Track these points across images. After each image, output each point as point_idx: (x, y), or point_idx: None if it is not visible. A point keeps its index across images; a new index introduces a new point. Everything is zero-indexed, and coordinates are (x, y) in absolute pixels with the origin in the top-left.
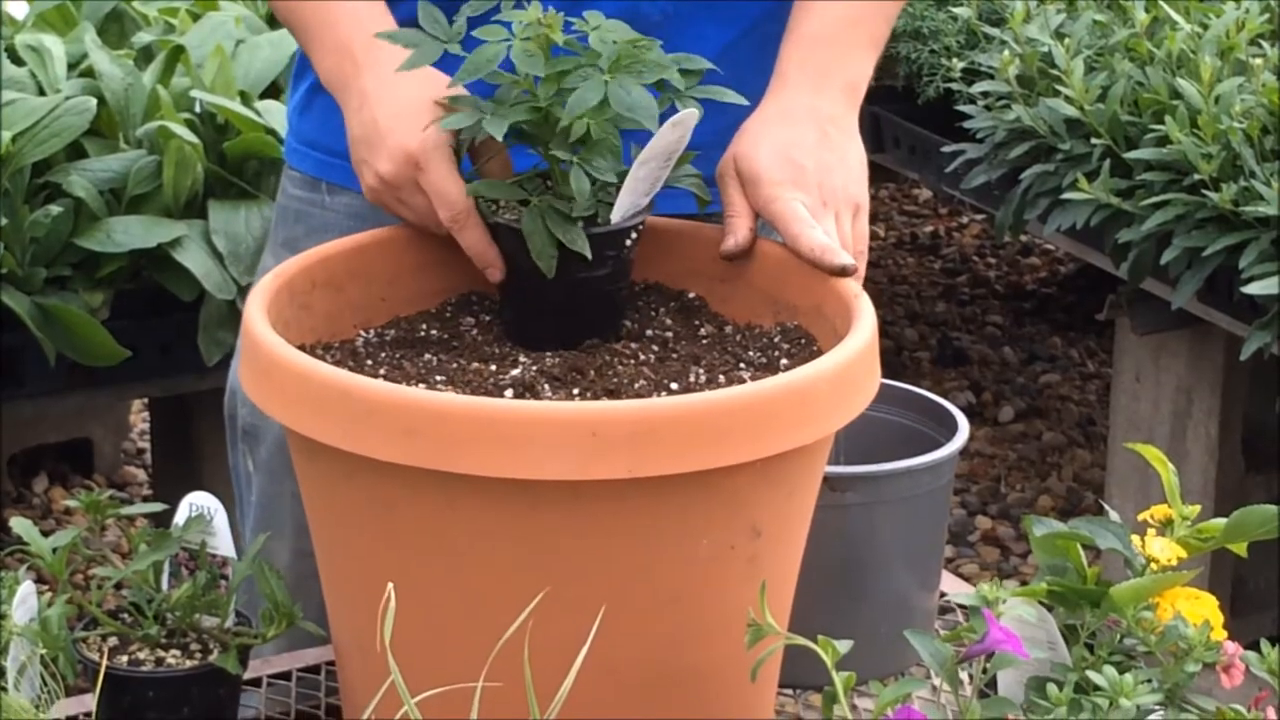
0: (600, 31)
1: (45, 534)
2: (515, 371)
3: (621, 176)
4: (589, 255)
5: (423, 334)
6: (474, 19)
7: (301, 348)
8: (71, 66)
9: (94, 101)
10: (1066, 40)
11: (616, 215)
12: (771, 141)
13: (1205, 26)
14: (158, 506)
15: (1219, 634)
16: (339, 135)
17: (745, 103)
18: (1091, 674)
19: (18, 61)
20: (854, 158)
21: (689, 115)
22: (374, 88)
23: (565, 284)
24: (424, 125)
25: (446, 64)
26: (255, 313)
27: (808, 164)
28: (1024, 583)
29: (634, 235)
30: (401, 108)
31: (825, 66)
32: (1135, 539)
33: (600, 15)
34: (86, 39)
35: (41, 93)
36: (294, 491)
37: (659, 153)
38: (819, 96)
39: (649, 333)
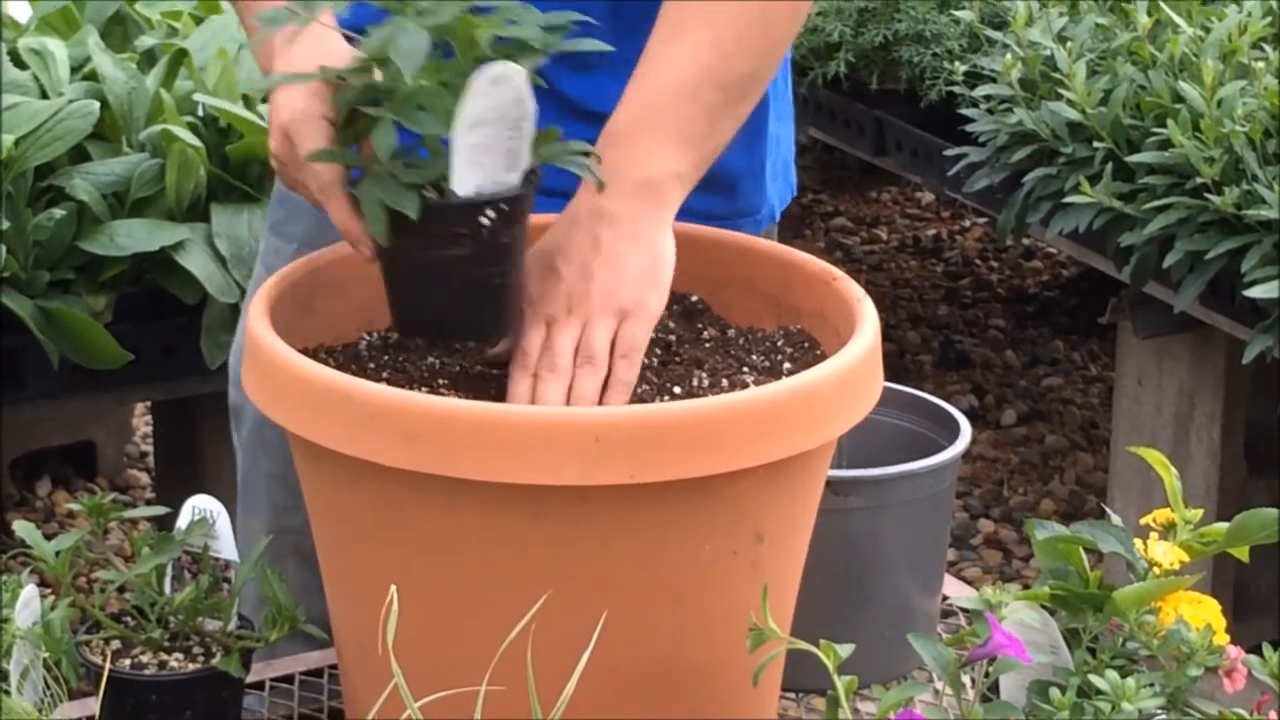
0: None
1: (48, 537)
2: None
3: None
4: (414, 216)
5: None
6: None
7: (304, 351)
8: (74, 70)
9: (97, 105)
10: (1069, 44)
11: (463, 189)
12: (541, 247)
13: (1207, 30)
14: (160, 510)
15: (1221, 638)
16: None
17: (609, 48)
18: (1094, 678)
19: (20, 65)
20: (632, 262)
21: (507, 71)
22: (279, 70)
23: (419, 263)
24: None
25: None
26: (258, 316)
27: (565, 271)
28: (1026, 586)
29: (491, 213)
30: (288, 86)
31: (617, 164)
32: (1138, 543)
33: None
34: (89, 42)
35: (44, 96)
36: (269, 471)
37: (493, 118)
38: (606, 197)
39: (652, 336)
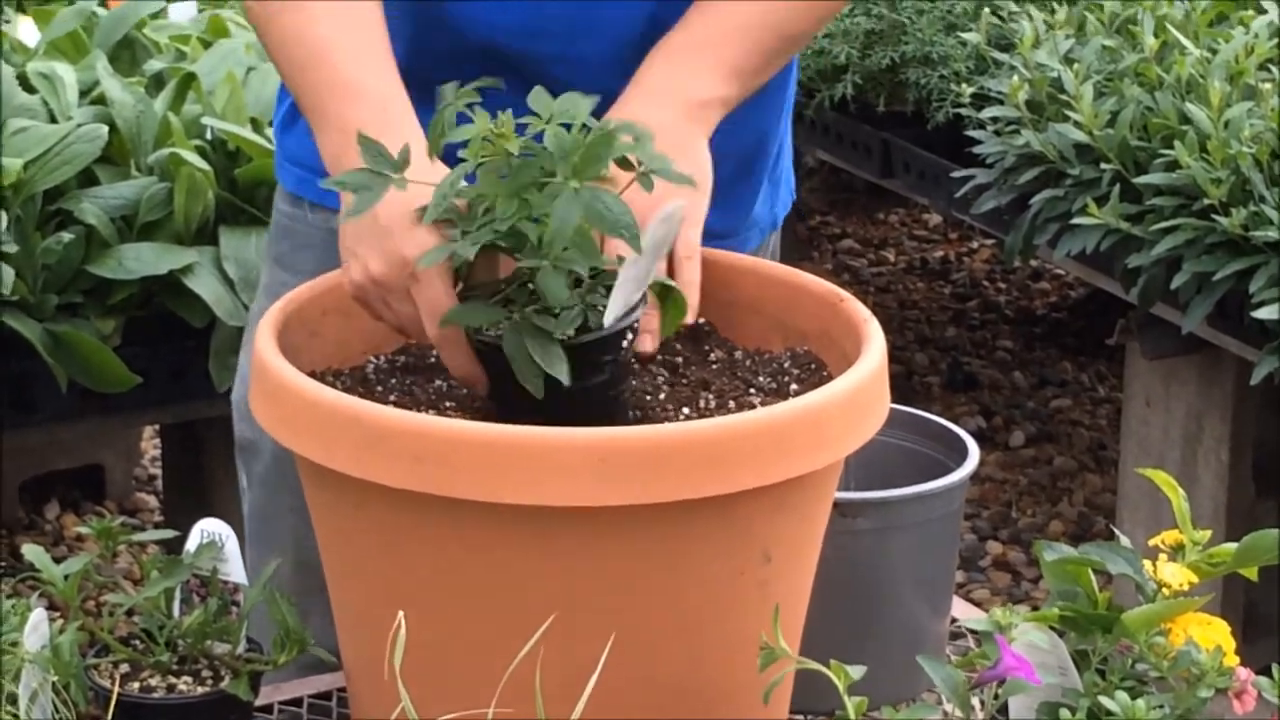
0: (554, 127)
1: (57, 561)
2: None
3: (598, 273)
4: (566, 380)
5: (433, 360)
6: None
7: (312, 374)
8: (83, 94)
9: (105, 129)
10: (1076, 65)
11: (610, 318)
12: None
13: (1214, 52)
14: (169, 533)
15: (1231, 659)
16: (317, 154)
17: (694, 183)
18: (1103, 699)
19: (29, 89)
20: (683, 170)
21: (677, 208)
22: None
23: (562, 395)
24: (422, 233)
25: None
26: (266, 339)
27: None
28: (1035, 608)
29: (630, 335)
30: (401, 209)
31: (666, 83)
32: (1147, 564)
33: (546, 96)
34: (98, 66)
35: (53, 120)
36: (292, 505)
37: (648, 249)
38: (654, 109)
39: (659, 358)
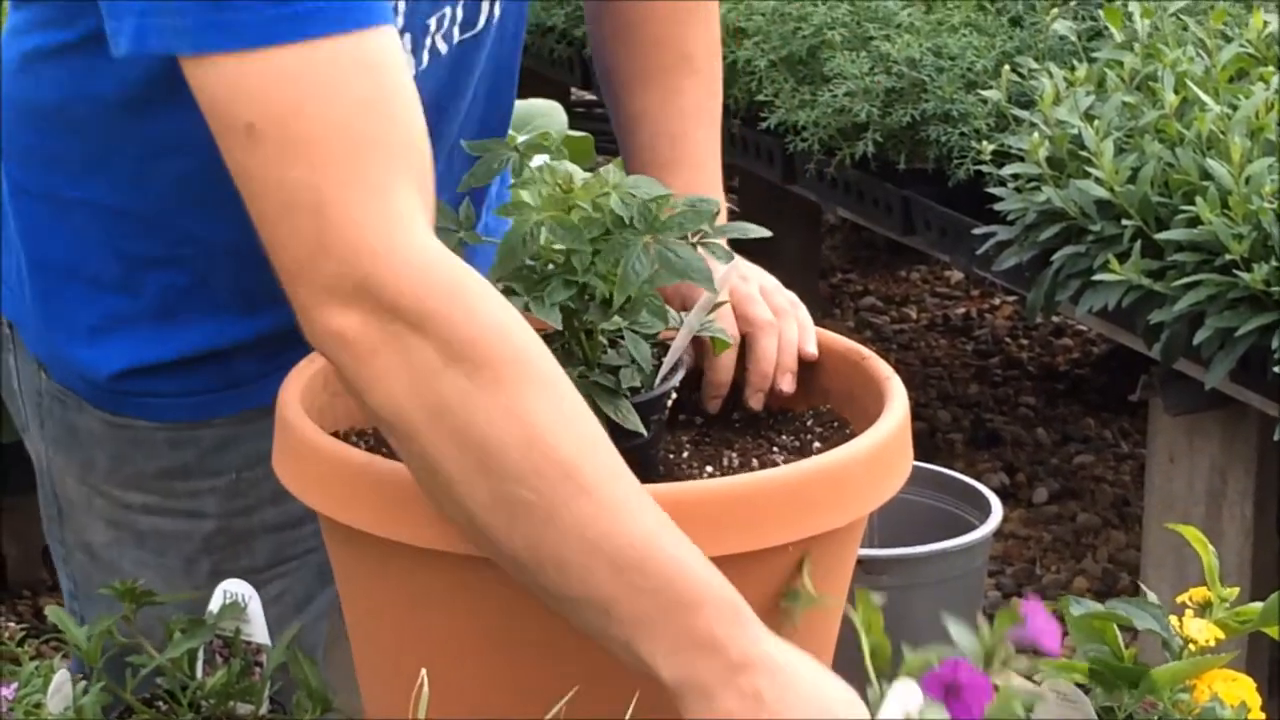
0: (619, 190)
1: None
2: None
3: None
4: (645, 432)
5: None
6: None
7: (335, 434)
8: None
9: None
10: (1096, 122)
11: (660, 376)
12: None
13: (1234, 107)
14: (192, 594)
15: (1256, 716)
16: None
17: (768, 233)
18: None
19: None
20: None
21: (731, 269)
22: (770, 690)
23: None
24: None
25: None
26: (289, 399)
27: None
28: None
29: (673, 395)
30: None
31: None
32: (1173, 620)
33: (618, 171)
34: None
35: None
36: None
37: (702, 306)
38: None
39: (681, 416)
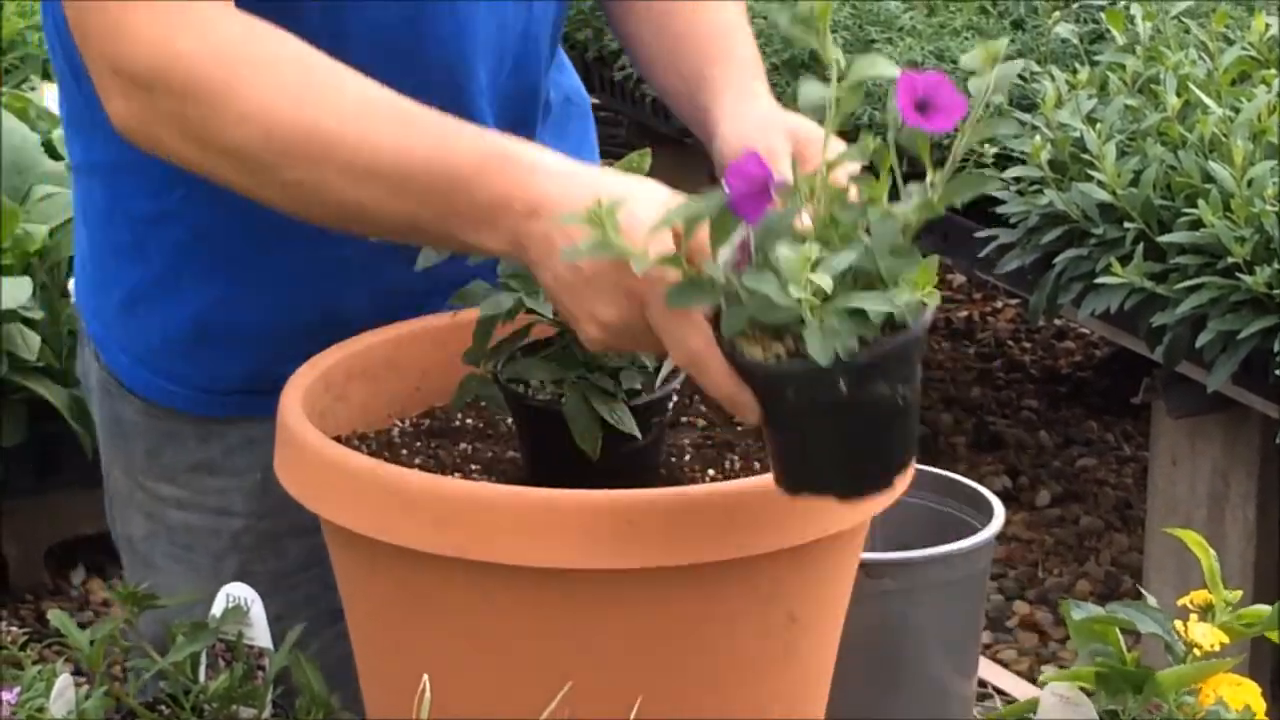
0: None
1: (83, 626)
2: None
3: None
4: (639, 436)
5: (458, 424)
6: None
7: (337, 438)
8: None
9: None
10: (1098, 125)
11: (660, 378)
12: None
13: (1237, 110)
14: (194, 598)
15: None
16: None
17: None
18: None
19: (55, 156)
20: None
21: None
22: (556, 231)
23: (609, 459)
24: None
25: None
26: (291, 404)
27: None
28: (1062, 668)
29: (675, 397)
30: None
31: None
32: (1177, 624)
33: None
34: None
35: None
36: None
37: None
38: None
39: (683, 420)
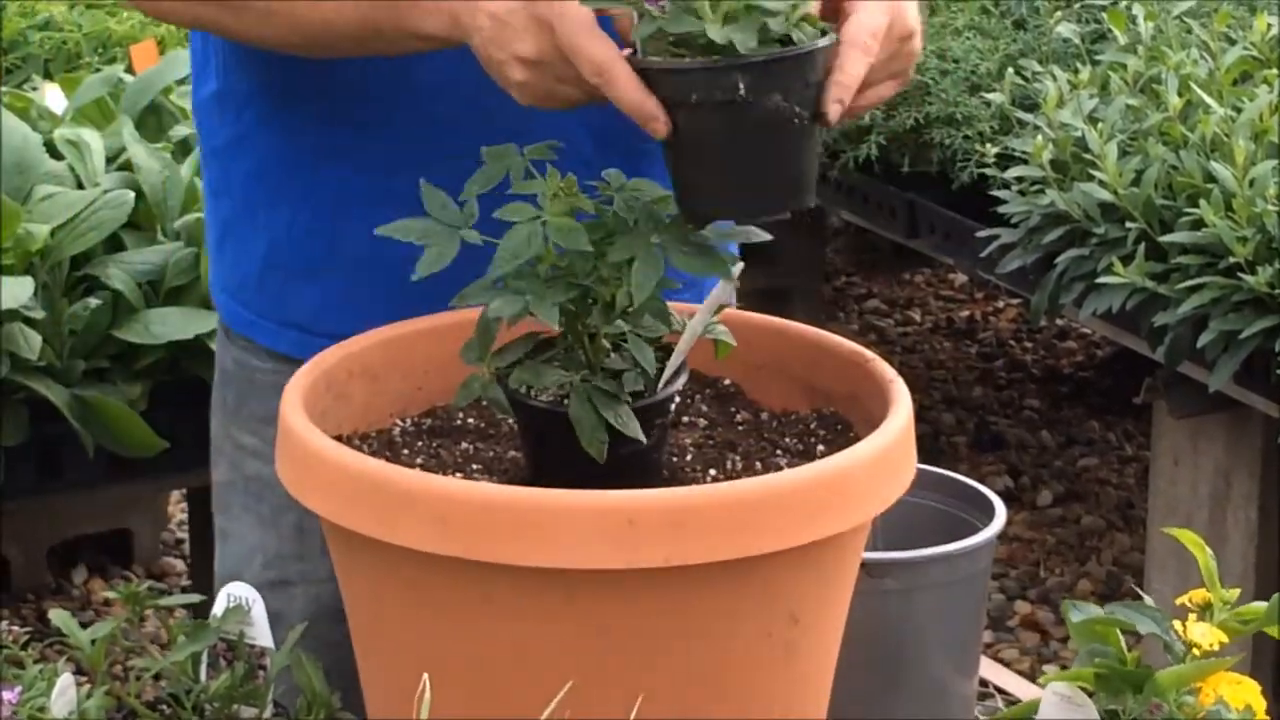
0: (624, 193)
1: (84, 625)
2: None
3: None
4: (643, 439)
5: (459, 423)
6: (485, 197)
7: (338, 438)
8: (110, 160)
9: (132, 195)
10: (1100, 125)
11: (663, 380)
12: None
13: (1238, 110)
14: (196, 597)
15: (1261, 719)
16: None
17: (769, 237)
18: None
19: (57, 155)
20: None
21: (738, 268)
22: None
23: (613, 461)
24: None
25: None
26: (291, 403)
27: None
28: (1064, 667)
29: (677, 397)
30: None
31: None
32: (1176, 624)
33: (619, 175)
34: (124, 133)
35: (80, 186)
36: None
37: (707, 308)
38: None
39: (685, 420)
